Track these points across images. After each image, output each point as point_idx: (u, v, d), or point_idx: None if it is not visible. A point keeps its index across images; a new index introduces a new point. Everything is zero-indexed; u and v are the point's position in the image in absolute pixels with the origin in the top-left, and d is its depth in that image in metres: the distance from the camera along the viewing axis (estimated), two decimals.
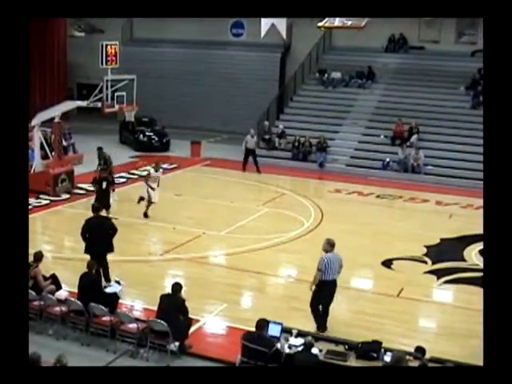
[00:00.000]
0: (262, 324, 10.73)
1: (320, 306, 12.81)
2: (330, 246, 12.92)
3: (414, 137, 28.43)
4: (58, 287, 13.33)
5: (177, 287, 11.95)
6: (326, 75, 33.27)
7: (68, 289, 13.40)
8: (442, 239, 19.06)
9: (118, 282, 13.40)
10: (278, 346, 10.79)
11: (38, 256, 13.17)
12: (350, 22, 22.61)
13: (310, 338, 10.73)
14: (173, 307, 11.68)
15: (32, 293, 12.46)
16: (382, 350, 10.93)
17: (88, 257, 13.72)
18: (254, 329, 10.75)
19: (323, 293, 12.73)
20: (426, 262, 17.24)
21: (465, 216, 22.19)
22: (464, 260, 17.54)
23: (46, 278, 13.18)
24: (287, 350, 10.87)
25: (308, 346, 10.49)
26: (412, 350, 11.39)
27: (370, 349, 11.03)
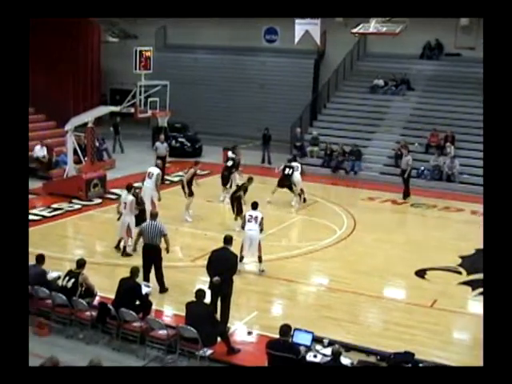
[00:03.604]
0: (286, 330, 10.37)
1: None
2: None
3: (448, 145, 28.08)
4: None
5: (200, 293, 11.87)
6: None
7: (100, 293, 13.37)
8: (477, 250, 18.66)
9: (146, 286, 13.41)
10: (308, 356, 10.61)
11: (81, 263, 13.17)
12: (384, 29, 22.43)
13: (337, 346, 10.49)
14: (198, 314, 11.60)
15: (83, 301, 12.53)
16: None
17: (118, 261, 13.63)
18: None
19: None
20: (460, 273, 16.94)
21: None
22: None
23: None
24: (316, 359, 10.69)
25: (336, 355, 10.21)
26: (446, 362, 11.24)
27: (402, 360, 10.87)
